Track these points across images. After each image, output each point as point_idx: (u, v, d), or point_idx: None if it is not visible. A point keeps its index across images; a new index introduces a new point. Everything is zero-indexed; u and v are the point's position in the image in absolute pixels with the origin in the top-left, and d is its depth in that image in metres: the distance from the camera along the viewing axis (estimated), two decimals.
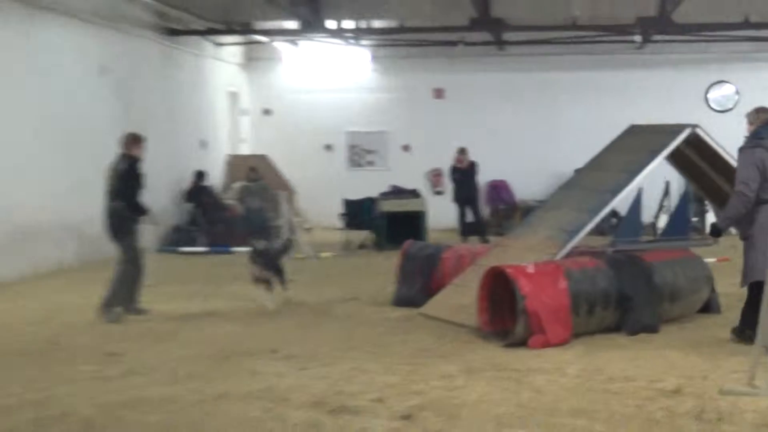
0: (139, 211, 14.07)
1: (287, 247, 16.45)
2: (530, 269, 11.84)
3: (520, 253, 13.22)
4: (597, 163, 14.82)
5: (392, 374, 10.18)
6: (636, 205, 14.02)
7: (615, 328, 12.33)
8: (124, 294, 13.86)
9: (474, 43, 27.45)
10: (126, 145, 14.18)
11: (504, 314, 12.11)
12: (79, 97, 19.78)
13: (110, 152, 20.65)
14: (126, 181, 13.90)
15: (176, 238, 22.83)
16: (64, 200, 18.91)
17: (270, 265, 14.82)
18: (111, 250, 19.60)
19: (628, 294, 12.28)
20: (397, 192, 24.99)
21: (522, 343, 11.49)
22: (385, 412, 8.66)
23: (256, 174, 26.18)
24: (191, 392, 9.45)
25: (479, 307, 12.12)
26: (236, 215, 24.45)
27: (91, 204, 19.74)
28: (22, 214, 17.54)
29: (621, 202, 13.85)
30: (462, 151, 24.56)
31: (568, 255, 12.98)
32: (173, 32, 24.39)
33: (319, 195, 28.42)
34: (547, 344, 11.44)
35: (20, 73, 17.74)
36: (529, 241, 13.70)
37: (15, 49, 17.61)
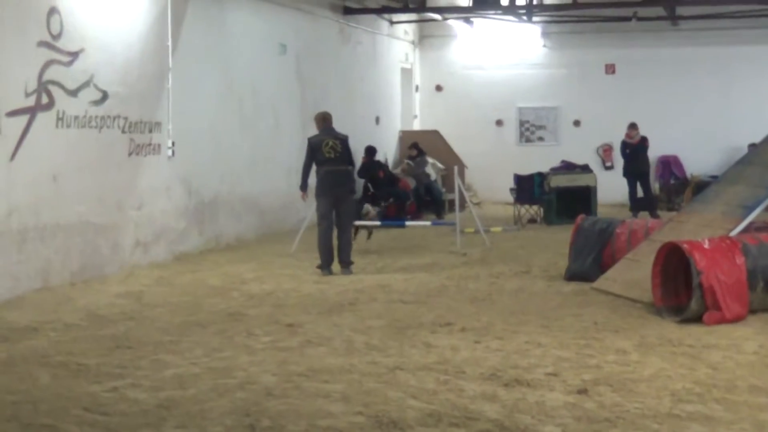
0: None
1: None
2: (706, 244, 11.54)
3: (695, 229, 12.91)
4: None
5: (566, 348, 10.04)
6: None
7: None
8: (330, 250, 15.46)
9: (647, 18, 26.87)
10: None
11: (678, 290, 11.84)
12: (260, 75, 20.02)
13: (288, 128, 21.07)
14: (350, 152, 15.80)
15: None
16: (243, 174, 19.19)
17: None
18: (287, 223, 20.05)
19: None
20: (567, 167, 24.74)
21: (697, 319, 11.22)
22: (560, 386, 8.53)
23: (417, 150, 26.17)
24: (368, 363, 9.46)
25: (653, 282, 11.87)
26: (408, 189, 24.52)
27: (268, 178, 20.10)
28: (206, 189, 17.85)
29: None
30: (633, 127, 24.14)
31: (745, 230, 12.61)
32: (349, 11, 24.48)
33: (490, 170, 28.33)
34: (722, 320, 11.15)
35: (208, 52, 18.05)
36: (704, 217, 13.38)
37: (206, 29, 17.94)
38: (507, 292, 13.62)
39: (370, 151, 24.24)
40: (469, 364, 9.34)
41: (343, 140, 15.62)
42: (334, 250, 15.40)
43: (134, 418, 7.71)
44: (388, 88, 27.97)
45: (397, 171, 26.38)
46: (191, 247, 17.23)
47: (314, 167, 15.44)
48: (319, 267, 15.23)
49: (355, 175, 20.05)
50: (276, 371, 9.16)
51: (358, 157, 22.97)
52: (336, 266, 15.34)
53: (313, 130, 16.34)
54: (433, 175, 26.08)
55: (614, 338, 10.51)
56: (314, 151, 15.37)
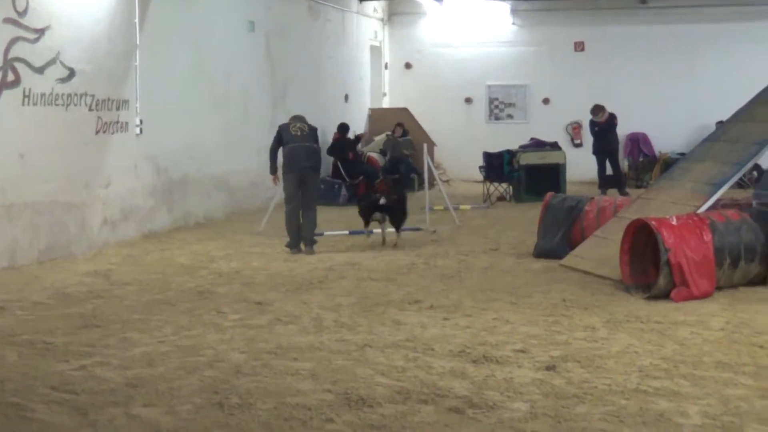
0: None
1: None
2: (674, 221, 11.60)
3: (663, 206, 12.98)
4: (742, 115, 14.42)
5: (534, 325, 10.09)
6: None
7: (760, 282, 12.04)
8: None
9: None
10: None
11: (646, 267, 11.90)
12: (229, 52, 19.92)
13: (257, 105, 21.01)
14: (317, 139, 15.97)
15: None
16: (212, 152, 19.11)
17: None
18: (256, 201, 20.03)
19: None
20: (536, 144, 24.75)
21: (665, 296, 11.30)
22: (528, 363, 8.58)
23: (402, 129, 26.18)
24: (336, 341, 9.48)
25: (622, 259, 11.93)
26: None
27: (237, 156, 20.03)
28: (175, 167, 17.77)
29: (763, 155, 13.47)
30: (596, 109, 24.10)
31: (713, 207, 12.68)
32: None
33: (459, 148, 28.34)
34: (690, 297, 11.22)
35: (176, 29, 17.92)
36: (672, 194, 13.45)
37: (174, 6, 17.80)
38: (476, 270, 13.66)
39: (343, 128, 24.16)
40: (437, 341, 9.37)
41: (312, 127, 15.81)
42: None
43: (102, 397, 7.69)
44: (357, 65, 27.91)
45: (372, 145, 26.40)
46: (160, 226, 17.16)
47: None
48: (288, 245, 15.23)
49: (324, 153, 20.14)
50: (245, 349, 9.17)
51: (324, 145, 22.92)
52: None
53: (281, 114, 16.38)
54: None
55: (583, 315, 10.56)
56: (282, 133, 15.48)
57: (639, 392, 7.68)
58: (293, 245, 15.17)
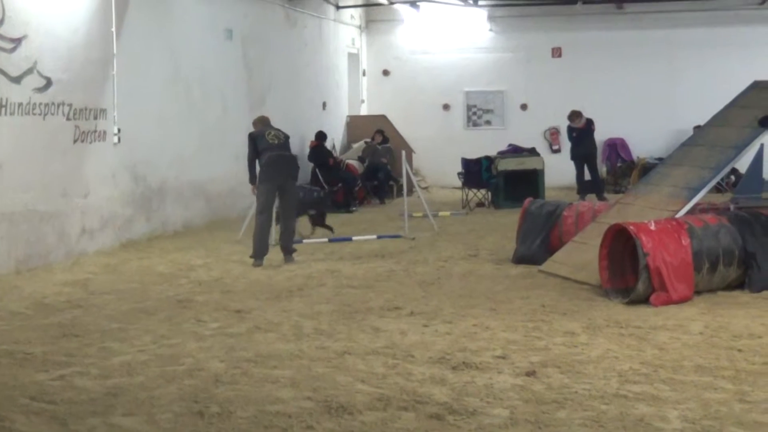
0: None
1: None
2: (652, 226, 11.63)
3: (641, 211, 13.02)
4: (720, 119, 14.48)
5: (514, 331, 10.10)
6: (758, 161, 13.69)
7: (738, 286, 12.09)
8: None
9: (593, 2, 26.99)
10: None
11: (625, 272, 11.93)
12: (206, 60, 19.90)
13: (235, 113, 20.98)
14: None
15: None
16: (190, 160, 19.07)
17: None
18: (234, 209, 20.00)
19: (752, 251, 11.99)
20: (514, 150, 24.80)
21: (644, 301, 11.33)
22: (508, 369, 8.59)
23: (382, 137, 26.20)
24: (316, 348, 9.47)
25: (600, 264, 11.95)
26: (356, 174, 24.51)
27: (215, 164, 20.00)
28: (153, 175, 17.73)
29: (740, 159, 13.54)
30: (574, 115, 24.15)
31: (691, 212, 12.73)
32: None
33: (437, 154, 28.40)
34: (668, 301, 11.26)
35: (153, 38, 17.88)
36: (650, 199, 13.50)
37: (151, 14, 17.77)
38: (455, 276, 13.67)
39: (321, 135, 24.19)
40: (417, 348, 9.37)
41: (286, 134, 15.42)
42: (269, 243, 15.23)
43: (82, 406, 7.66)
44: (335, 73, 27.91)
45: (356, 148, 26.47)
46: (138, 234, 17.12)
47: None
48: (253, 257, 14.84)
49: (305, 160, 20.07)
50: (224, 357, 9.15)
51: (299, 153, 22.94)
52: (278, 255, 15.14)
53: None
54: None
55: (562, 320, 10.58)
56: (257, 141, 15.01)
57: (619, 397, 7.69)
58: (259, 256, 14.80)
